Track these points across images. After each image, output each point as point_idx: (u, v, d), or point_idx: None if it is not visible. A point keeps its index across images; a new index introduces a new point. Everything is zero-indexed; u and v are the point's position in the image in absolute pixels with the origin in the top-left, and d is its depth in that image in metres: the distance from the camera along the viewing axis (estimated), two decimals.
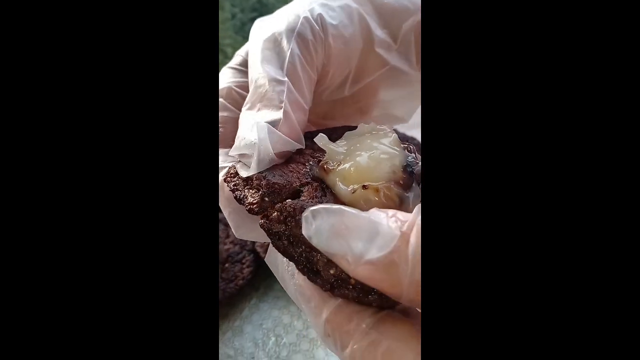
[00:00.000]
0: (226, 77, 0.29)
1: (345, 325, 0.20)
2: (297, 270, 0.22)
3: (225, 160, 0.25)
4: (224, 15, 0.57)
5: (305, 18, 0.26)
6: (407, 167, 0.23)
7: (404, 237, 0.18)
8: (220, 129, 0.27)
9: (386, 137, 0.25)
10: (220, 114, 0.28)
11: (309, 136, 0.26)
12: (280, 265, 0.23)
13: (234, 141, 0.24)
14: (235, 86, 0.28)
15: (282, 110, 0.24)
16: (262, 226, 0.21)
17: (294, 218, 0.21)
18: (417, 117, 0.36)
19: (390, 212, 0.19)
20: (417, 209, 0.18)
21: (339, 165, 0.23)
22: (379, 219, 0.18)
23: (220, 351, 0.45)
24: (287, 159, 0.24)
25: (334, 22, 0.27)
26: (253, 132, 0.23)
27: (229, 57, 0.31)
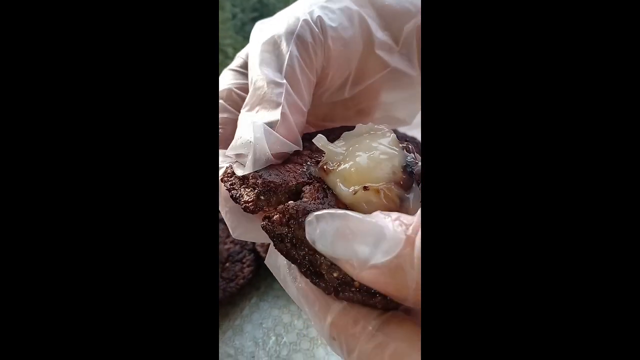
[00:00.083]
0: (226, 79, 0.29)
1: (351, 328, 0.20)
2: (299, 273, 0.22)
3: (224, 161, 0.25)
4: (224, 15, 0.57)
5: (305, 21, 0.26)
6: (406, 168, 0.23)
7: (409, 240, 0.17)
8: (220, 130, 0.27)
9: (384, 137, 0.25)
10: (220, 115, 0.28)
11: (308, 137, 0.26)
12: (282, 268, 0.23)
13: None
14: (236, 88, 0.29)
15: (280, 112, 0.24)
16: (264, 228, 0.21)
17: (296, 220, 0.20)
18: (417, 117, 0.36)
19: (394, 215, 0.19)
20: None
21: (339, 165, 0.23)
22: (384, 223, 0.18)
23: (221, 350, 0.45)
24: (284, 160, 0.25)
25: (333, 25, 0.27)
26: (249, 132, 0.23)
27: (229, 57, 0.31)
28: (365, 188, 0.22)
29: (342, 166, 0.23)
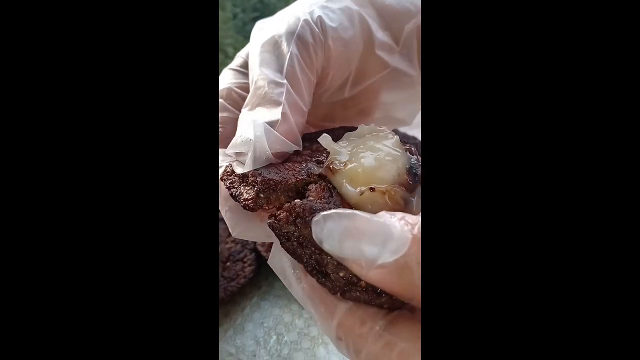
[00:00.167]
0: (227, 78, 0.29)
1: (358, 328, 0.20)
2: (304, 274, 0.22)
3: (224, 160, 0.25)
4: (225, 15, 0.58)
5: (305, 21, 0.26)
6: (411, 170, 0.23)
7: (416, 240, 0.18)
8: (220, 129, 0.27)
9: (387, 139, 0.25)
10: (220, 114, 0.28)
11: (307, 138, 0.27)
12: (286, 269, 0.23)
13: None
14: (236, 87, 0.29)
15: (280, 112, 0.24)
16: (270, 225, 0.21)
17: (303, 219, 0.21)
18: (417, 117, 0.36)
19: (399, 214, 0.19)
20: None
21: (345, 166, 0.23)
22: (391, 222, 0.18)
23: (222, 349, 0.45)
24: (284, 159, 0.25)
25: (333, 25, 0.27)
26: (250, 130, 0.23)
27: (230, 57, 0.31)
28: (371, 189, 0.22)
29: (349, 166, 0.23)
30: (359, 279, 0.19)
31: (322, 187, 0.23)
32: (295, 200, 0.21)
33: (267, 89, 0.25)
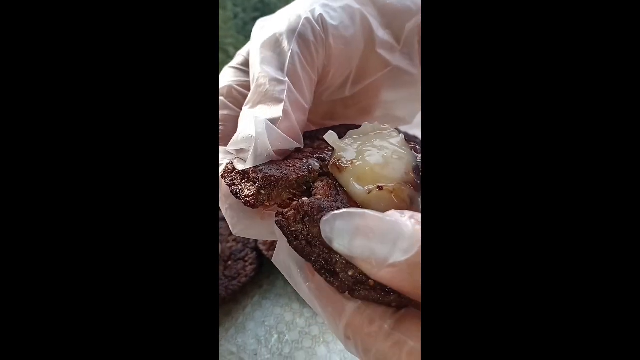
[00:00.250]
0: (227, 76, 0.29)
1: (367, 327, 0.20)
2: (311, 273, 0.22)
3: (224, 158, 0.25)
4: (226, 14, 0.58)
5: (307, 19, 0.26)
6: (418, 168, 0.23)
7: None
8: (221, 127, 0.27)
9: (392, 137, 0.25)
10: (221, 112, 0.28)
11: (308, 135, 0.27)
12: (292, 267, 0.23)
13: None
14: (236, 85, 0.29)
15: (282, 109, 0.24)
16: (277, 224, 0.21)
17: (311, 217, 0.20)
18: (418, 116, 0.36)
19: (407, 213, 0.19)
20: None
21: (352, 163, 0.23)
22: (402, 221, 0.18)
23: (224, 348, 0.46)
24: (285, 157, 0.25)
25: (335, 23, 0.27)
26: (251, 127, 0.23)
27: (231, 57, 0.31)
28: (379, 188, 0.22)
29: (356, 164, 0.23)
30: (368, 278, 0.19)
31: (328, 184, 0.23)
32: (303, 199, 0.21)
33: (268, 86, 0.25)
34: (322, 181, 0.23)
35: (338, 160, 0.23)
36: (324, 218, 0.20)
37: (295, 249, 0.21)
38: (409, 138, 0.33)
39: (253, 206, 0.22)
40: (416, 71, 0.32)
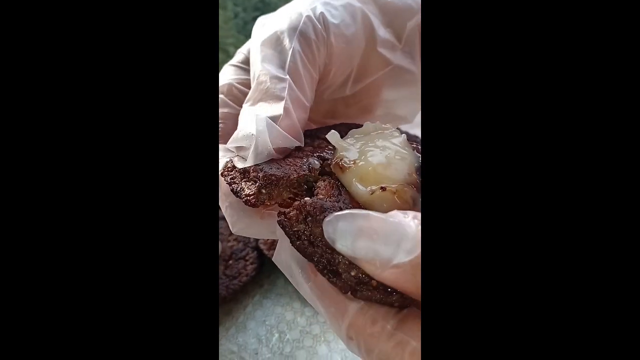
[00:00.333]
0: (227, 74, 0.29)
1: (369, 327, 0.20)
2: (313, 273, 0.22)
3: (224, 156, 0.25)
4: (226, 14, 0.58)
5: (308, 17, 0.26)
6: (420, 169, 0.23)
7: None
8: (221, 125, 0.27)
9: (395, 137, 0.25)
10: (221, 110, 0.28)
11: (309, 134, 0.26)
12: (294, 267, 0.23)
13: None
14: (237, 83, 0.29)
15: (282, 107, 0.24)
16: (280, 223, 0.21)
17: (314, 217, 0.20)
18: (419, 115, 0.36)
19: (410, 214, 0.19)
20: None
21: (355, 163, 0.23)
22: (406, 222, 0.18)
23: (224, 347, 0.45)
24: (285, 155, 0.24)
25: (336, 21, 0.27)
26: (252, 124, 0.23)
27: (231, 57, 0.31)
28: (382, 188, 0.21)
29: (359, 165, 0.23)
30: (370, 278, 0.19)
31: (331, 184, 0.22)
32: (305, 199, 0.21)
33: (269, 84, 0.25)
34: (324, 181, 0.23)
35: (340, 160, 0.23)
36: (327, 219, 0.20)
37: (298, 249, 0.21)
38: (410, 138, 0.33)
39: (254, 205, 0.22)
40: (417, 70, 0.32)
